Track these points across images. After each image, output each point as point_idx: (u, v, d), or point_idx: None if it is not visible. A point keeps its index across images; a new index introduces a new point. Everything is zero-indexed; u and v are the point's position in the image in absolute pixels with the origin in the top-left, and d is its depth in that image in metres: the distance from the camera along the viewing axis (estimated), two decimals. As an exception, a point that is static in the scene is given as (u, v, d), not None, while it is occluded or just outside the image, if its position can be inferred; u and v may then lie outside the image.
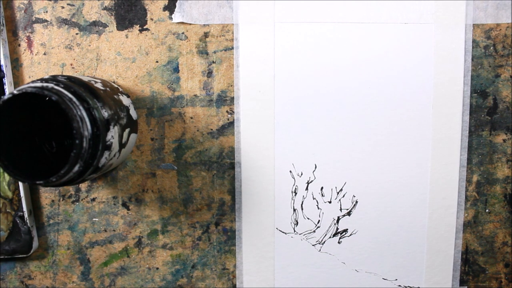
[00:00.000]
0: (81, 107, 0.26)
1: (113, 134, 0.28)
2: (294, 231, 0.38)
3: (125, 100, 0.33)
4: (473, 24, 0.35)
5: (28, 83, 0.27)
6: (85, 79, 0.30)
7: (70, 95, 0.26)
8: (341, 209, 0.37)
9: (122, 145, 0.30)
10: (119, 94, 0.32)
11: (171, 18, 0.35)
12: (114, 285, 0.38)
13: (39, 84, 0.26)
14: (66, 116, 0.25)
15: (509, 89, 0.36)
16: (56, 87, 0.26)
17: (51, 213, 0.37)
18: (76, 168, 0.26)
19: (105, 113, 0.27)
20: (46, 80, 0.27)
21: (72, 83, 0.27)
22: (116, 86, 0.34)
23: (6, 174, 0.35)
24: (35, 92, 0.25)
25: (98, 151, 0.27)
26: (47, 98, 0.25)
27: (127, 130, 0.31)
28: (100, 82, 0.31)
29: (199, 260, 0.38)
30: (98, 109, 0.27)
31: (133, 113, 0.33)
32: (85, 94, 0.27)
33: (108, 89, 0.31)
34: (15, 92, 0.26)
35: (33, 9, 0.35)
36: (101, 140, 0.27)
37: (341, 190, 0.37)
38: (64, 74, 0.36)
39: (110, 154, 0.28)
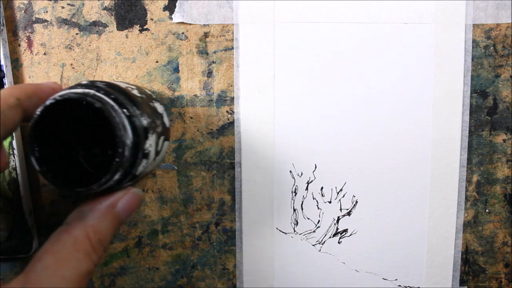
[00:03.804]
0: (122, 115, 0.25)
1: (151, 142, 0.27)
2: (294, 231, 0.38)
3: (159, 108, 0.32)
4: (473, 24, 0.35)
5: (66, 88, 0.26)
6: (122, 85, 0.29)
7: (112, 102, 0.25)
8: (341, 209, 0.37)
9: (157, 153, 0.30)
10: (153, 101, 0.32)
11: (171, 18, 0.35)
12: (114, 285, 0.38)
13: (80, 90, 0.25)
14: (109, 123, 0.25)
15: (509, 89, 0.36)
16: (97, 93, 0.25)
17: (51, 213, 0.37)
18: (117, 176, 0.25)
19: (144, 121, 0.27)
20: (86, 86, 0.26)
21: (111, 89, 0.27)
22: (149, 92, 0.33)
23: (5, 174, 0.35)
24: (78, 98, 0.24)
25: (137, 159, 0.26)
26: (83, 103, 0.25)
27: (162, 138, 0.31)
28: (136, 89, 0.30)
29: (199, 260, 0.38)
30: (138, 117, 0.26)
31: (166, 120, 0.33)
32: (125, 101, 0.26)
33: (144, 96, 0.30)
34: (57, 97, 0.25)
35: (33, 9, 0.35)
36: (140, 148, 0.26)
37: (341, 190, 0.37)
38: (63, 72, 0.36)
39: (147, 163, 0.28)
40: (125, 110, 0.26)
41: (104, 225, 0.26)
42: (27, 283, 0.23)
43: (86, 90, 0.25)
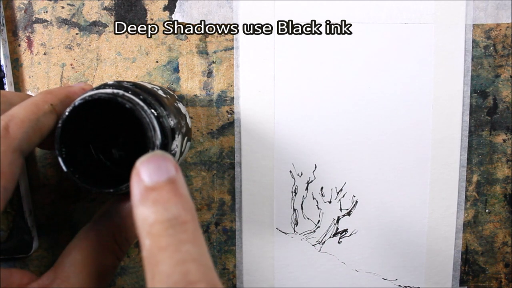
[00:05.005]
0: (152, 116, 0.25)
1: (177, 143, 0.27)
2: (294, 231, 0.38)
3: (183, 108, 0.32)
4: (473, 24, 0.35)
5: (93, 88, 0.26)
6: (148, 85, 0.29)
7: (141, 103, 0.25)
8: (341, 209, 0.37)
9: (181, 154, 0.30)
10: (177, 101, 0.32)
11: (171, 18, 0.35)
12: (114, 285, 0.38)
13: (109, 90, 0.25)
14: (140, 124, 0.24)
15: (509, 89, 0.36)
16: (126, 94, 0.25)
17: (51, 213, 0.37)
18: None
19: (171, 122, 0.27)
20: (113, 86, 0.26)
21: (138, 89, 0.26)
22: (172, 93, 0.33)
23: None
24: (108, 99, 0.24)
25: None
26: (97, 103, 0.24)
27: (185, 139, 0.30)
28: (161, 89, 0.30)
29: (199, 260, 0.38)
30: (165, 118, 0.26)
31: (188, 121, 0.32)
32: (153, 102, 0.26)
33: (168, 96, 0.30)
34: (87, 97, 0.24)
35: (33, 9, 0.35)
36: (168, 149, 0.26)
37: (341, 190, 0.37)
38: (63, 72, 0.36)
39: None
40: (153, 111, 0.25)
41: (129, 223, 0.26)
42: (56, 278, 0.25)
43: (115, 91, 0.25)
